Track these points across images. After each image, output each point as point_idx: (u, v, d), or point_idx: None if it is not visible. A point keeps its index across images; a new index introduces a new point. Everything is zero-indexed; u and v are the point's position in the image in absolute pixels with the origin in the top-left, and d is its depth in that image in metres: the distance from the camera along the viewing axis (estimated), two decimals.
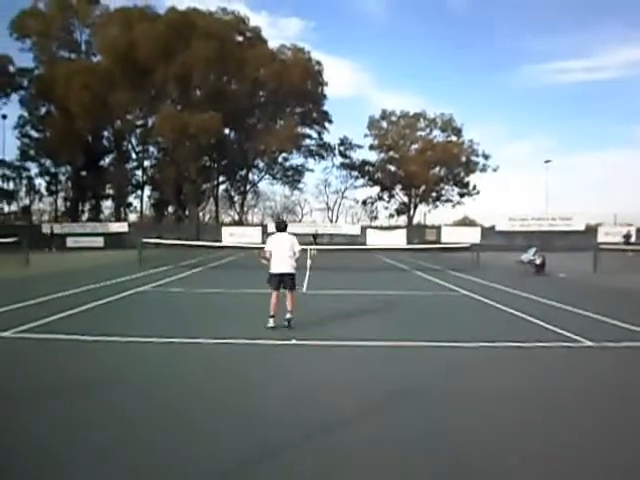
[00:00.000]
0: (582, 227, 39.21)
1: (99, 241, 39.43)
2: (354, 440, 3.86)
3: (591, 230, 37.84)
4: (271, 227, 30.32)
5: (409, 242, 37.92)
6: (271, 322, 7.84)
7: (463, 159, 49.74)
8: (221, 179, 52.85)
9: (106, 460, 3.48)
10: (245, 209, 57.48)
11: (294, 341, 7.05)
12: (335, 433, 3.99)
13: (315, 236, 34.18)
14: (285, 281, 8.13)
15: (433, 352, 6.72)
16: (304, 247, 20.37)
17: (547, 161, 46.05)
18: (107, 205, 53.74)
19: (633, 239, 33.39)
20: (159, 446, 3.73)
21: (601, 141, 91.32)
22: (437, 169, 50.14)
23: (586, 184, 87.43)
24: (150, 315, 9.59)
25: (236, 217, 54.84)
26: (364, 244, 36.92)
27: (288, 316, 7.93)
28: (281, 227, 8.54)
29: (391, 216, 54.93)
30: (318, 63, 48.31)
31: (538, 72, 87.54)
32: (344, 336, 7.39)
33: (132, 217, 52.81)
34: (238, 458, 3.54)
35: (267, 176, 54.99)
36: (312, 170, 55.51)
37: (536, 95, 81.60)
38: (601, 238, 34.66)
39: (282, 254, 8.09)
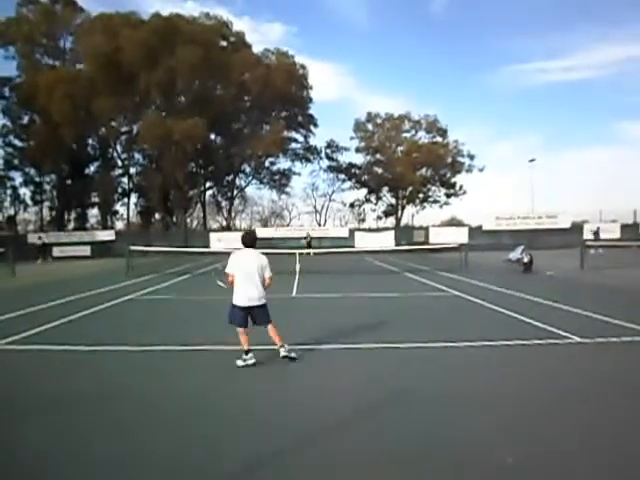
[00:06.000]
0: (568, 225, 39.51)
1: (86, 250, 38.97)
2: (354, 441, 3.87)
3: (577, 227, 38.12)
4: (259, 232, 30.03)
5: (397, 244, 38.00)
6: (250, 358, 6.13)
7: (449, 160, 49.99)
8: (208, 185, 52.60)
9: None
10: (233, 214, 57.37)
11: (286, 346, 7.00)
12: (334, 436, 4.00)
13: (308, 239, 34.06)
14: (255, 316, 6.14)
15: (426, 353, 6.73)
16: (297, 251, 20.57)
17: (531, 160, 46.33)
18: (93, 213, 53.08)
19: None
20: (160, 453, 3.70)
21: (584, 139, 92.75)
22: (423, 170, 50.31)
23: (571, 182, 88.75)
24: (138, 324, 9.50)
25: (224, 223, 54.66)
26: (353, 246, 36.91)
27: (283, 353, 6.21)
28: (247, 241, 6.33)
29: (379, 218, 55.11)
30: (302, 67, 48.35)
31: (518, 72, 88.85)
32: (338, 339, 7.37)
33: (119, 225, 52.39)
34: (241, 462, 3.56)
35: (254, 181, 54.92)
36: (299, 174, 55.47)
37: (518, 95, 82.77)
38: (587, 235, 34.86)
39: (248, 279, 6.07)
